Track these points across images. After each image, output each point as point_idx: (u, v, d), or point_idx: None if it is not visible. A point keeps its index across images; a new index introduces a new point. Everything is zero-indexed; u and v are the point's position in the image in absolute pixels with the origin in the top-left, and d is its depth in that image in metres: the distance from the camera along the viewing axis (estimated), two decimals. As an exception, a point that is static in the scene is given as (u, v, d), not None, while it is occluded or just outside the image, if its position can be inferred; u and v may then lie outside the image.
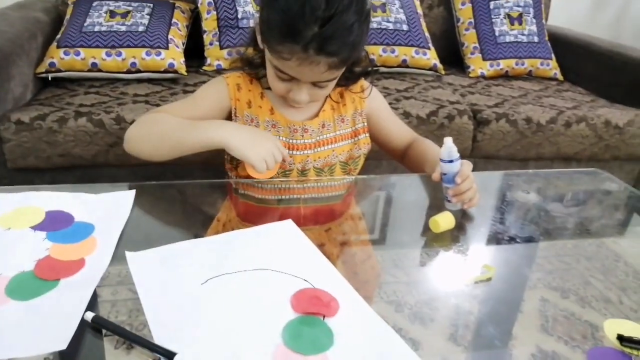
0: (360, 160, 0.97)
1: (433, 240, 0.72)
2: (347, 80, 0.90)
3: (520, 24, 1.99)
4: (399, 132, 1.00)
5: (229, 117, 0.90)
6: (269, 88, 0.88)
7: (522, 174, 0.99)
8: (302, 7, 0.69)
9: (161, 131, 0.82)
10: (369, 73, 0.93)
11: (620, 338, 0.53)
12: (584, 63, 1.99)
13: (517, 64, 1.95)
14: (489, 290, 0.62)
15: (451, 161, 0.76)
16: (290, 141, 0.89)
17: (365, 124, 0.95)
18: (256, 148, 0.79)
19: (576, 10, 2.58)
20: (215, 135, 0.79)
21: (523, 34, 1.98)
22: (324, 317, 0.52)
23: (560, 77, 2.01)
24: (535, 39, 1.99)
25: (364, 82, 0.95)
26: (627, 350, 0.52)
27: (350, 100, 0.94)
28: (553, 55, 2.01)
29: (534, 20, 2.01)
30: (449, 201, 0.77)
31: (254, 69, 0.89)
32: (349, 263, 0.65)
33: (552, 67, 1.99)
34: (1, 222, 0.65)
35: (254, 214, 0.79)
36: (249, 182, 0.85)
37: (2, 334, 0.48)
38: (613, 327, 0.55)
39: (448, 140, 0.76)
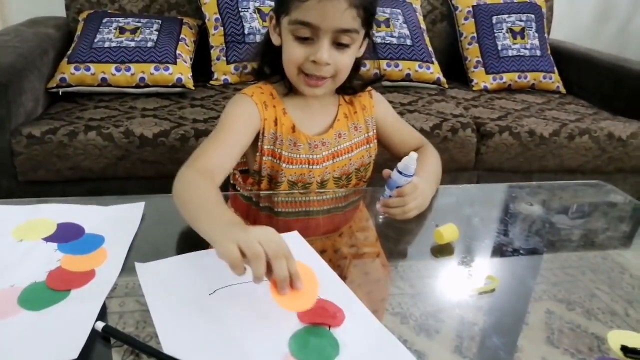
0: (370, 167, 0.99)
1: (437, 252, 0.72)
2: (354, 88, 0.93)
3: (523, 38, 2.01)
4: (401, 139, 1.01)
5: (257, 135, 0.88)
6: (287, 94, 0.89)
7: (526, 187, 1.00)
8: None
9: (186, 206, 0.69)
10: (375, 81, 0.96)
11: (624, 349, 0.53)
12: (587, 76, 2.00)
13: (519, 78, 1.97)
14: (493, 302, 0.62)
15: (401, 173, 0.77)
16: (311, 157, 0.90)
17: (375, 130, 0.97)
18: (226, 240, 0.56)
19: (578, 24, 2.60)
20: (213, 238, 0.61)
21: (525, 48, 2.00)
22: (329, 327, 0.53)
23: (562, 90, 2.02)
24: (538, 53, 2.01)
25: (370, 90, 0.98)
26: (632, 361, 0.52)
27: (361, 107, 0.96)
28: (555, 69, 2.02)
29: (536, 35, 2.03)
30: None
31: (265, 78, 0.91)
32: (356, 274, 0.66)
33: (554, 80, 2.01)
34: (14, 234, 0.67)
35: (262, 224, 0.80)
36: (258, 194, 0.86)
37: (15, 343, 0.49)
38: (617, 339, 0.55)
39: (413, 155, 0.77)
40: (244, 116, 0.86)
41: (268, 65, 0.90)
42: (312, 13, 0.76)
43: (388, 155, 1.01)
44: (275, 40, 0.85)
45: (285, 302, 0.53)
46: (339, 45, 0.80)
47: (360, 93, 0.95)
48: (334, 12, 0.76)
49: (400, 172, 0.77)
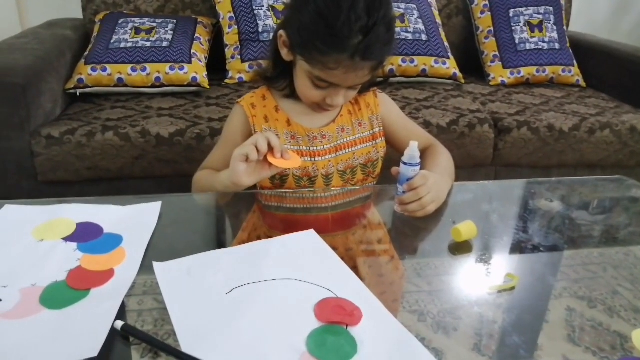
0: (379, 163, 1.00)
1: (455, 249, 0.71)
2: (362, 89, 0.93)
3: (541, 31, 1.98)
4: (408, 136, 0.99)
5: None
6: (288, 96, 0.92)
7: (545, 182, 0.98)
8: (347, 19, 0.74)
9: (202, 188, 0.90)
10: (381, 82, 0.98)
11: (650, 349, 0.52)
12: (607, 69, 1.96)
13: (538, 72, 1.93)
14: (513, 300, 0.61)
15: (406, 164, 0.77)
16: (311, 149, 0.91)
17: (381, 127, 0.99)
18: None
19: (597, 16, 2.55)
20: (225, 183, 0.82)
21: (544, 41, 1.96)
22: (347, 326, 0.53)
23: (582, 83, 1.98)
24: (557, 46, 1.97)
25: (375, 89, 0.99)
26: (658, 361, 0.51)
27: (365, 105, 0.98)
28: (575, 62, 1.98)
29: (555, 27, 1.99)
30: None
31: (271, 82, 0.93)
32: (372, 272, 0.66)
33: (574, 74, 1.97)
34: (34, 234, 0.68)
35: (278, 221, 0.81)
36: (273, 193, 0.86)
37: (36, 341, 0.50)
38: (642, 338, 0.54)
39: (413, 144, 0.78)
40: (236, 124, 0.94)
41: (280, 76, 0.91)
42: (335, 78, 0.80)
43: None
44: (286, 56, 0.86)
45: (280, 162, 0.76)
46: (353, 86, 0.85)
47: (365, 92, 0.96)
48: (354, 77, 0.81)
49: (406, 164, 0.77)
